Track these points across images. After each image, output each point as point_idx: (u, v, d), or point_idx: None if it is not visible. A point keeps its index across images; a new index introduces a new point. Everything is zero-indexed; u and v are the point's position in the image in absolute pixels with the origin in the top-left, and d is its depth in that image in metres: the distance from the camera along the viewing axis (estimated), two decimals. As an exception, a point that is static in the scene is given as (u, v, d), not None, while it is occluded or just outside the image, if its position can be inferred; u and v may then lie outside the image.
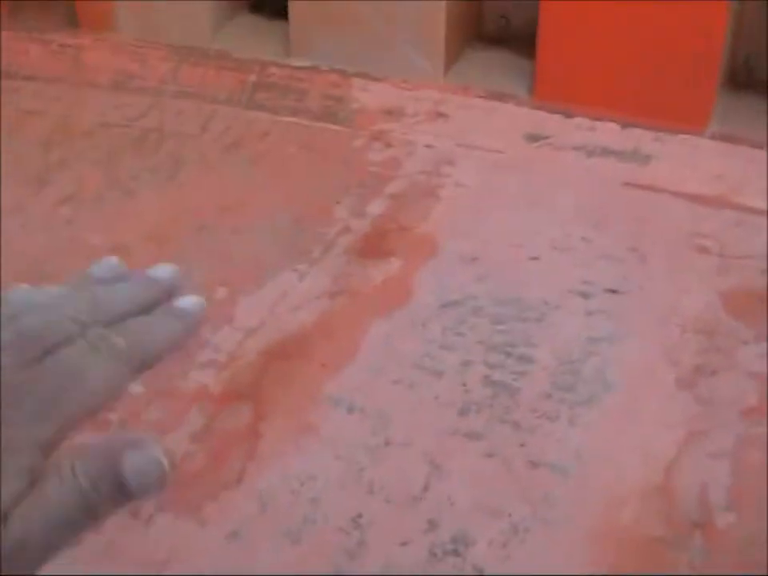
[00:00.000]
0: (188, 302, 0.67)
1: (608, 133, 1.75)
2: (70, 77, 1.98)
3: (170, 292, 0.67)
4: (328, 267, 1.49)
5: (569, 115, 1.78)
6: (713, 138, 1.74)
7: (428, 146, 1.73)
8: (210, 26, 2.02)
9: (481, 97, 1.84)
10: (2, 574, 0.51)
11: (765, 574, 1.10)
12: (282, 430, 1.26)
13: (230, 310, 1.43)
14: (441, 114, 1.81)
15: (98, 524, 0.57)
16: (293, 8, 1.94)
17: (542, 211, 1.59)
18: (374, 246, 1.53)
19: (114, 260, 0.68)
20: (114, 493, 0.55)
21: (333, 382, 1.32)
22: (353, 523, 1.15)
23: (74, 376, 0.57)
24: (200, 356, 1.37)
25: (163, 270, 0.69)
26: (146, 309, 0.65)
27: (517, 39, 1.95)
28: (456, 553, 1.12)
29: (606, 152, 1.71)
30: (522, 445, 1.23)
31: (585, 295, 1.44)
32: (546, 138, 1.74)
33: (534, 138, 1.74)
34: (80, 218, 1.62)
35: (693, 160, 1.70)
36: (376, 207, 1.60)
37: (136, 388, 1.33)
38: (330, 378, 1.32)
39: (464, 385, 1.31)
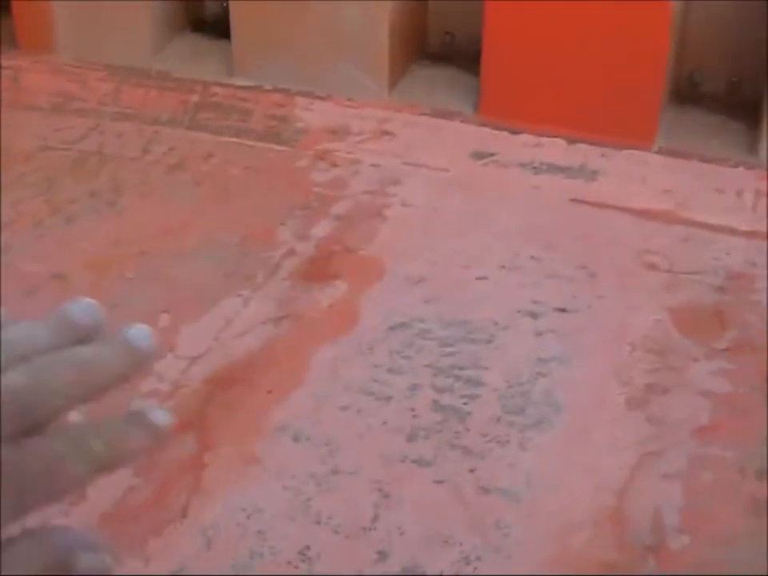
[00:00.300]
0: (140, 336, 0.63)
1: (554, 149, 1.74)
2: (8, 99, 1.94)
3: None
4: (273, 292, 1.47)
5: (515, 132, 1.77)
6: (659, 152, 1.73)
7: (374, 165, 1.71)
8: (151, 46, 1.99)
9: (426, 114, 1.83)
10: None
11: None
12: (227, 460, 1.24)
13: (173, 337, 1.40)
14: (386, 133, 1.79)
15: None
16: (235, 27, 1.92)
17: (490, 230, 1.57)
18: (319, 269, 1.50)
19: (91, 304, 0.63)
20: None
21: (279, 410, 1.29)
22: (301, 556, 1.13)
23: (46, 473, 0.56)
24: (143, 385, 1.33)
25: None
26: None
27: (462, 56, 1.93)
28: (406, 584, 1.10)
29: (553, 168, 1.70)
30: (472, 470, 1.21)
31: (534, 315, 1.42)
32: (492, 155, 1.73)
33: (479, 155, 1.73)
34: (18, 245, 1.58)
35: (640, 175, 1.69)
36: (321, 229, 1.58)
37: (77, 419, 1.30)
38: (276, 406, 1.30)
39: (412, 410, 1.29)
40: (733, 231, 1.57)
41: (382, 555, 1.12)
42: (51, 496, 0.56)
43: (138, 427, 0.61)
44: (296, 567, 1.11)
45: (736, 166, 1.70)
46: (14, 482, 0.53)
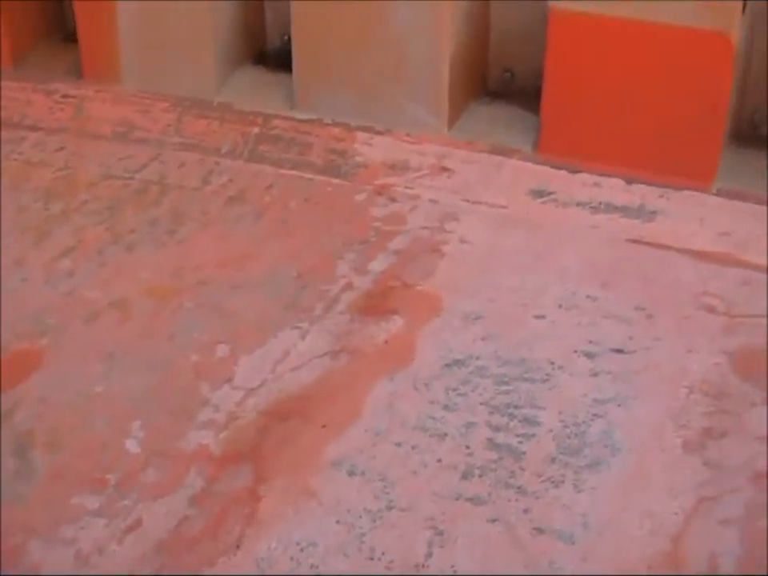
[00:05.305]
0: None
1: (613, 189, 1.73)
2: (73, 127, 1.97)
3: None
4: (330, 325, 1.47)
5: (574, 171, 1.76)
6: (719, 194, 1.72)
7: (432, 201, 1.72)
8: (214, 77, 2.01)
9: (485, 151, 1.83)
10: None
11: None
12: (282, 492, 1.24)
13: (231, 368, 1.41)
14: (445, 169, 1.79)
15: None
16: (297, 61, 1.94)
17: (547, 269, 1.57)
18: (376, 304, 1.51)
19: None
20: None
21: (334, 444, 1.29)
22: (354, 591, 1.13)
23: None
24: (199, 415, 1.34)
25: None
26: None
27: (522, 93, 1.94)
28: (459, 623, 1.10)
29: (611, 208, 1.70)
30: (526, 510, 1.21)
31: (590, 355, 1.42)
32: (551, 193, 1.73)
33: (538, 193, 1.73)
34: (80, 271, 1.60)
35: (699, 216, 1.68)
36: (379, 264, 1.58)
37: (133, 447, 1.31)
38: (332, 440, 1.30)
39: (467, 447, 1.29)
40: (793, 275, 1.56)
41: (435, 593, 1.12)
42: None
43: None
44: (349, 602, 1.11)
45: (797, 209, 1.68)
46: None
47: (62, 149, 1.91)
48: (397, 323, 1.47)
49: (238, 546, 1.17)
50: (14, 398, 1.39)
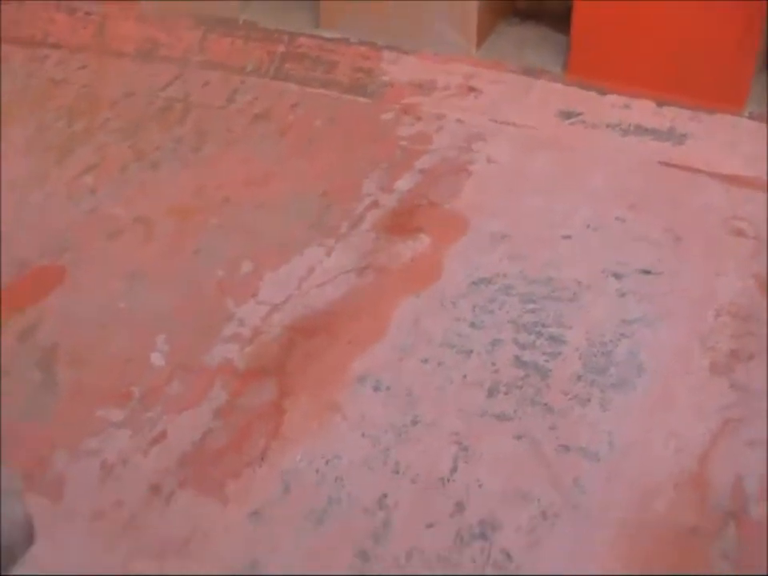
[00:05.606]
0: None
1: (643, 111, 1.71)
2: (96, 45, 1.95)
3: None
4: (356, 243, 1.46)
5: (603, 92, 1.74)
6: (750, 117, 1.69)
7: (459, 121, 1.69)
8: (238, -4, 1.99)
9: (513, 72, 1.80)
10: None
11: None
12: (306, 407, 1.24)
13: (256, 283, 1.40)
14: (472, 89, 1.77)
15: None
16: (323, -21, 1.91)
17: (575, 190, 1.55)
18: (402, 223, 1.49)
19: None
20: None
21: (359, 360, 1.29)
22: (378, 504, 1.12)
23: None
24: (224, 330, 1.34)
25: None
26: None
27: (551, 14, 1.91)
28: (483, 537, 1.09)
29: (641, 130, 1.67)
30: (552, 428, 1.20)
31: (618, 276, 1.40)
32: (580, 115, 1.70)
33: (567, 114, 1.70)
34: (103, 188, 1.59)
35: (729, 140, 1.66)
36: (405, 183, 1.57)
37: (158, 361, 1.31)
38: (357, 356, 1.29)
39: (493, 364, 1.28)
40: (824, 200, 1.53)
41: (459, 507, 1.12)
42: None
43: None
44: (373, 515, 1.11)
45: (829, 134, 1.65)
46: None
47: (84, 67, 1.89)
48: (423, 242, 1.46)
49: (262, 459, 1.17)
50: (37, 313, 1.38)
